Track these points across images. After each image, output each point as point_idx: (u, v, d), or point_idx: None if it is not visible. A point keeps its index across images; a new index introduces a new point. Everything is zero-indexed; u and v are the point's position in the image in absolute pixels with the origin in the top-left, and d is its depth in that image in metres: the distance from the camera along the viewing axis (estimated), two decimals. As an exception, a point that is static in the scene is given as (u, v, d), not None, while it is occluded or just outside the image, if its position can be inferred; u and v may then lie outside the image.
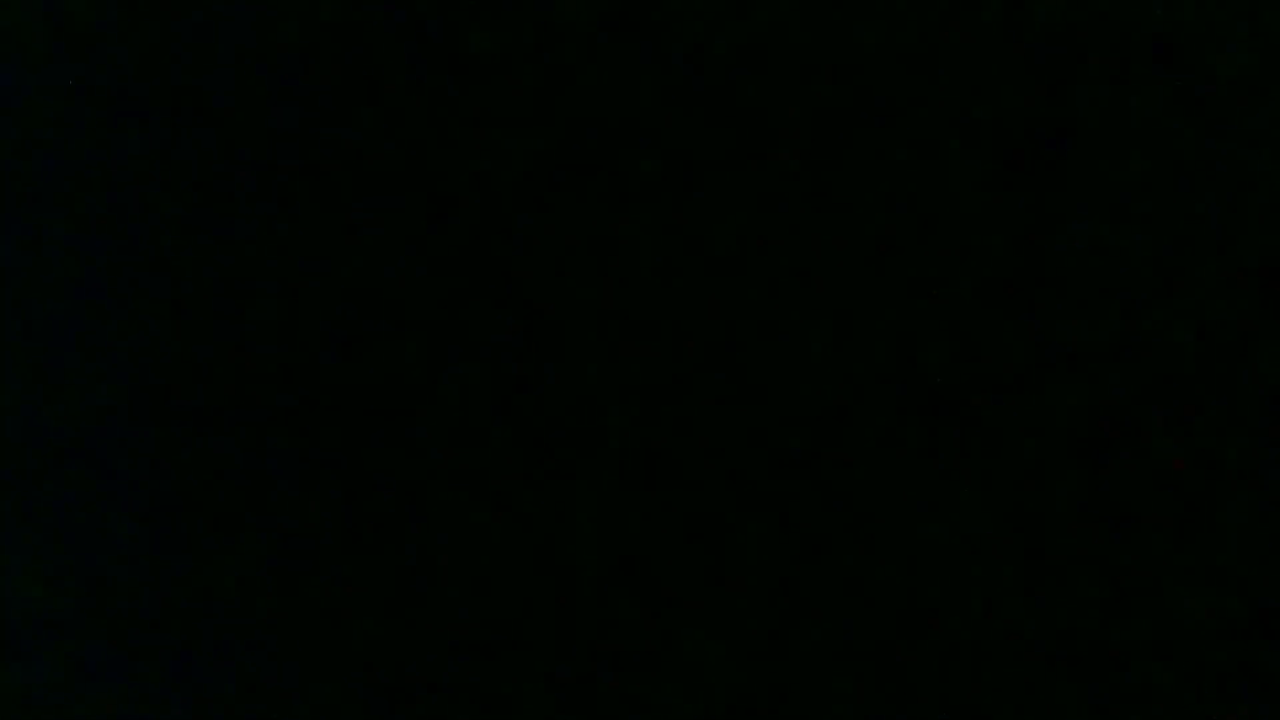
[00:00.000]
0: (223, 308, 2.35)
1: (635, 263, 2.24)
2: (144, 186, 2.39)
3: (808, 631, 2.16)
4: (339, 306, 2.33)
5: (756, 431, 2.19)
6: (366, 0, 2.32)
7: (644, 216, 2.24)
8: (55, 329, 2.39)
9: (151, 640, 2.33)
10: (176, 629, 2.32)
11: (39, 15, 2.41)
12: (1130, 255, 2.08)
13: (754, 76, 2.21)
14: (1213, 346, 2.05)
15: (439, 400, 2.29)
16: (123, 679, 2.32)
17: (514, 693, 2.23)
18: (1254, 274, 2.03)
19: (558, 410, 2.25)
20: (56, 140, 2.41)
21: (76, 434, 2.37)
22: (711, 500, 2.20)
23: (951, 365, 2.14)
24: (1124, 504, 2.07)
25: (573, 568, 2.23)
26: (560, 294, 2.26)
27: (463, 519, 2.27)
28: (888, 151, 2.17)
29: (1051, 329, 2.11)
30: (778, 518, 2.18)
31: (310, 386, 2.32)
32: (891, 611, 2.14)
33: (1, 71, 2.42)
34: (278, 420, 2.32)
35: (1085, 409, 2.09)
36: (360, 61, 2.33)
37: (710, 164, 2.23)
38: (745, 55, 2.21)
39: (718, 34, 2.22)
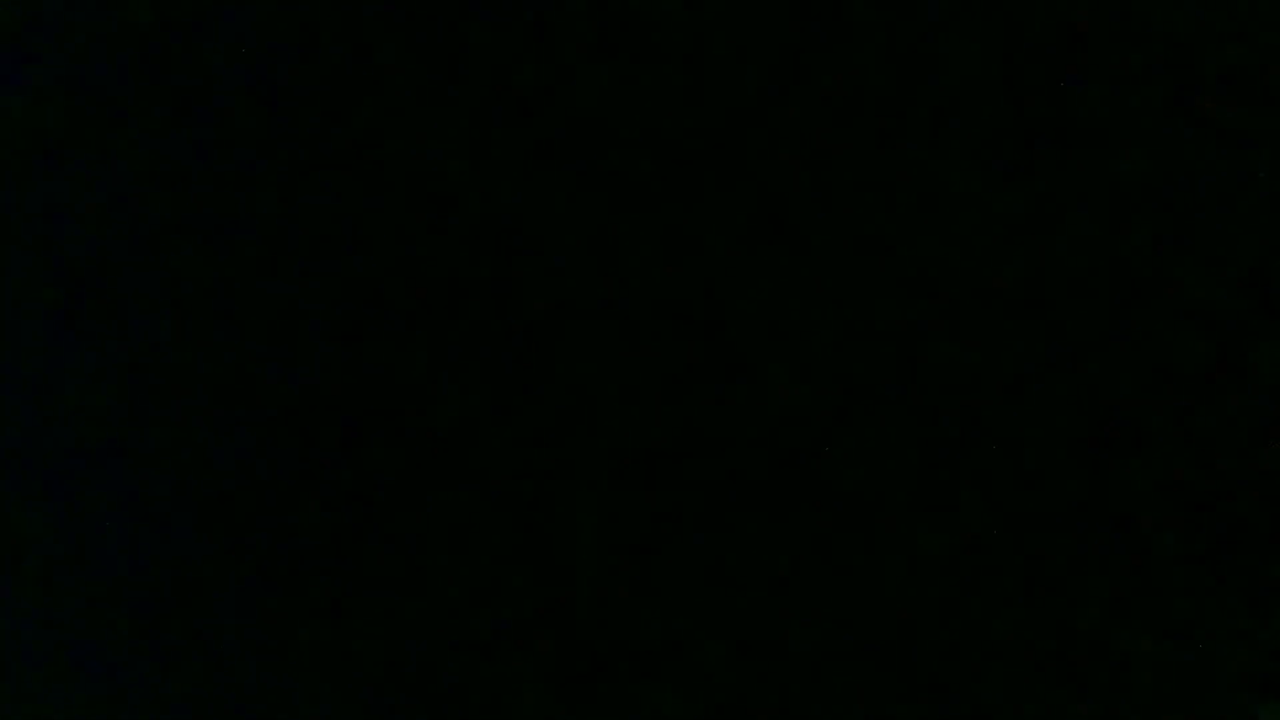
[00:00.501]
0: (222, 308, 2.36)
1: (635, 262, 2.24)
2: (145, 186, 2.39)
3: (808, 631, 2.16)
4: (339, 307, 2.33)
5: (756, 431, 2.20)
6: (366, 1, 2.32)
7: (644, 216, 2.25)
8: (55, 329, 2.40)
9: (151, 640, 2.33)
10: (176, 629, 2.33)
11: (40, 15, 2.41)
12: (1130, 254, 2.09)
13: (754, 76, 2.22)
14: (1213, 346, 2.05)
15: (438, 400, 2.29)
16: (122, 679, 2.33)
17: (514, 692, 2.23)
18: (1254, 274, 2.04)
19: (557, 410, 2.26)
20: (57, 140, 2.42)
21: (76, 434, 2.37)
22: (711, 500, 2.21)
23: (951, 365, 2.14)
24: (1124, 504, 2.08)
25: (572, 567, 2.24)
26: (560, 294, 2.27)
27: (462, 518, 2.28)
28: (887, 151, 2.17)
29: (1051, 328, 2.11)
30: (777, 517, 2.19)
31: (310, 386, 2.32)
32: (891, 611, 2.14)
33: (2, 71, 2.43)
34: (277, 420, 2.33)
35: (1085, 409, 2.09)
36: (360, 61, 2.34)
37: (710, 164, 2.23)
38: (745, 55, 2.22)
39: (717, 34, 2.22)
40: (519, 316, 2.28)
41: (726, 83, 2.23)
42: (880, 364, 2.17)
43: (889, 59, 2.18)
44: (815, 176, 2.20)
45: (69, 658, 2.34)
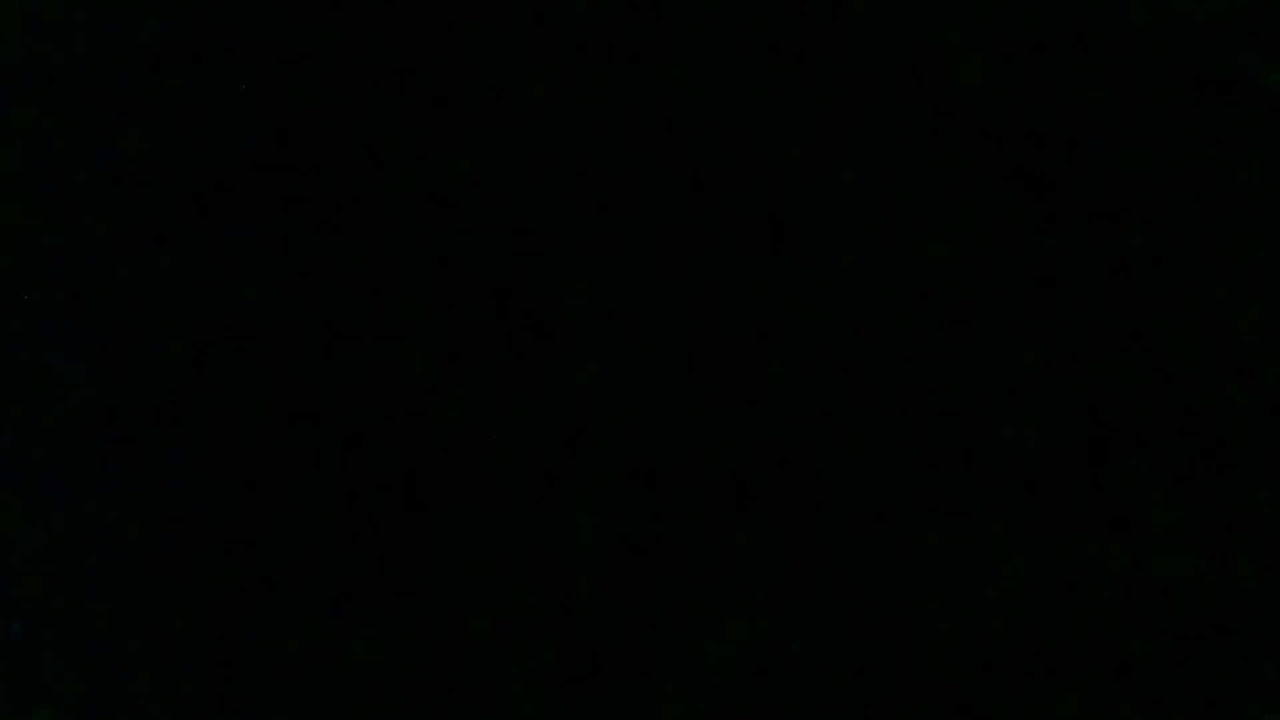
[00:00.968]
0: (223, 308, 2.36)
1: (636, 262, 2.25)
2: (144, 186, 2.39)
3: (807, 631, 2.16)
4: (339, 307, 2.33)
5: (757, 431, 2.20)
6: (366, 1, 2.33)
7: (644, 216, 2.25)
8: (55, 328, 2.40)
9: (151, 640, 2.33)
10: (175, 627, 2.33)
11: (40, 15, 2.41)
12: (1131, 254, 2.09)
13: (754, 76, 2.22)
14: (1214, 344, 2.06)
15: (440, 399, 2.30)
16: (123, 678, 2.33)
17: (514, 693, 2.23)
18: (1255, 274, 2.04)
19: (558, 410, 2.26)
20: (56, 140, 2.42)
21: (77, 434, 2.37)
22: (711, 499, 2.21)
23: (951, 364, 2.15)
24: (1123, 505, 2.08)
25: (573, 568, 2.24)
26: (560, 292, 2.27)
27: (463, 519, 2.28)
28: (888, 150, 2.18)
29: (1052, 327, 2.12)
30: (778, 517, 2.19)
31: (310, 386, 2.33)
32: (891, 610, 2.14)
33: (2, 71, 2.43)
34: (278, 420, 2.33)
35: (1086, 408, 2.09)
36: (361, 60, 2.34)
37: (710, 163, 2.23)
38: (745, 55, 2.22)
39: (717, 32, 2.23)
40: (520, 315, 2.28)
41: (726, 81, 2.24)
42: (881, 362, 2.17)
43: (889, 59, 2.18)
44: (816, 176, 2.21)
45: (69, 656, 2.34)
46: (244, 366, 2.35)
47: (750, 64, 2.23)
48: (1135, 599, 2.07)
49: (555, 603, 2.24)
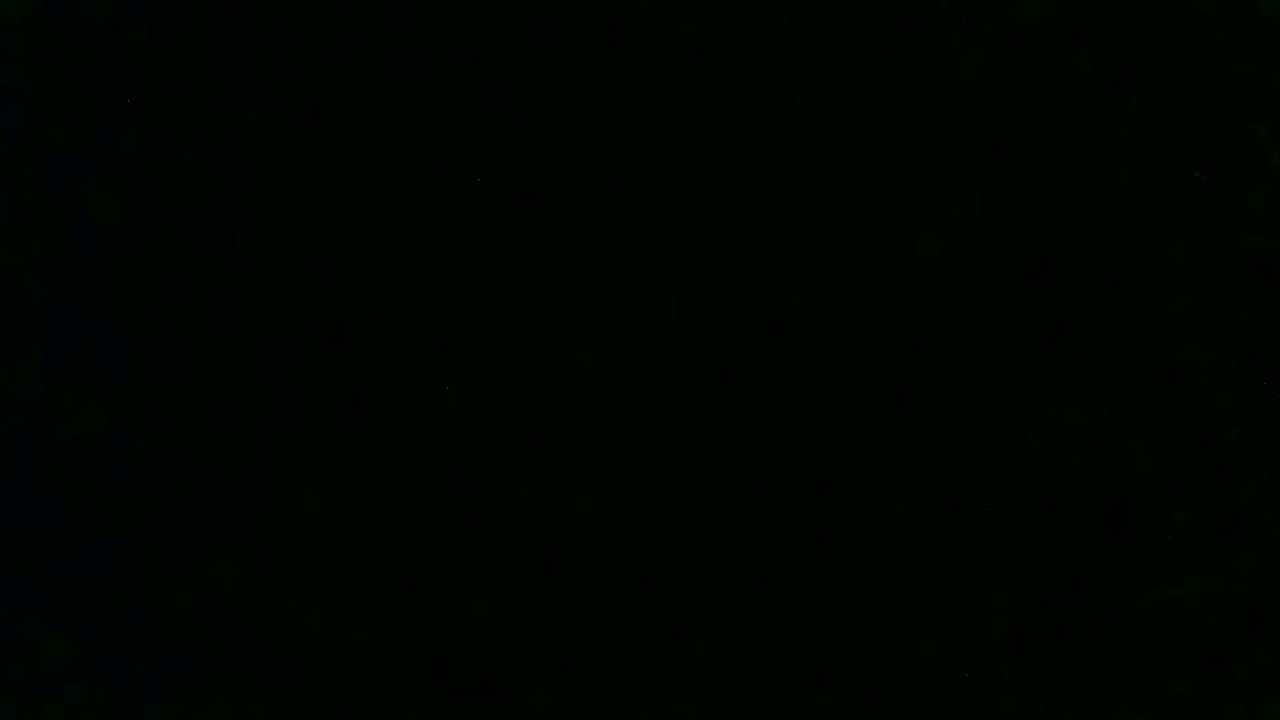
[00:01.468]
0: (222, 307, 2.35)
1: (633, 259, 2.24)
2: (145, 185, 2.39)
3: (808, 631, 2.16)
4: (335, 299, 2.33)
5: (757, 428, 2.20)
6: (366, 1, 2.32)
7: (644, 215, 2.25)
8: (56, 328, 2.39)
9: (150, 639, 2.33)
10: (175, 622, 2.32)
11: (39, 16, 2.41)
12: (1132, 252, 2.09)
13: (753, 76, 2.22)
14: (1213, 341, 2.05)
15: (437, 391, 2.29)
16: (122, 678, 2.32)
17: (513, 690, 2.23)
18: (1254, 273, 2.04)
19: (556, 405, 2.25)
20: (56, 140, 2.42)
21: (76, 434, 2.37)
22: (712, 499, 2.21)
23: (951, 359, 2.14)
24: (1124, 504, 2.08)
25: (572, 565, 2.24)
26: (558, 290, 2.27)
27: (461, 515, 2.28)
28: (888, 150, 2.17)
29: (1051, 328, 2.11)
30: (778, 514, 2.19)
31: (307, 378, 2.32)
32: (890, 611, 2.14)
33: (2, 71, 2.42)
34: (275, 411, 2.33)
35: (1083, 402, 2.09)
36: (360, 61, 2.33)
37: (709, 162, 2.23)
38: (745, 55, 2.22)
39: (716, 32, 2.22)
40: (517, 308, 2.28)
41: (726, 81, 2.23)
42: (881, 361, 2.16)
43: (889, 57, 2.18)
44: (816, 174, 2.20)
45: (67, 655, 2.34)
46: (240, 356, 2.35)
47: (747, 58, 2.22)
48: (1135, 595, 2.07)
49: (553, 595, 2.23)
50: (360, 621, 2.28)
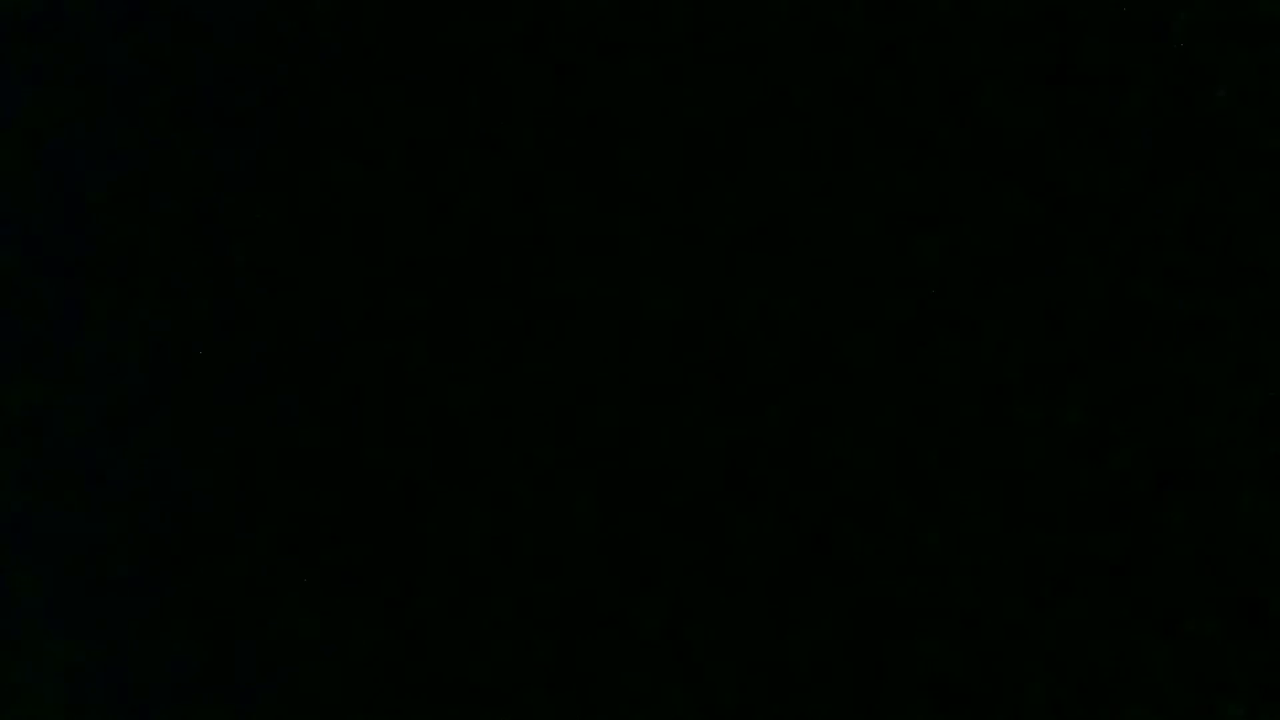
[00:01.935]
0: (222, 307, 2.35)
1: (633, 258, 2.24)
2: (144, 185, 2.39)
3: (808, 631, 2.16)
4: (335, 299, 2.33)
5: (755, 426, 2.20)
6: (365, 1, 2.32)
7: (644, 215, 2.25)
8: (55, 328, 2.40)
9: (151, 639, 2.33)
10: (178, 622, 2.33)
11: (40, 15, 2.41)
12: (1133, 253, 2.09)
13: (753, 76, 2.21)
14: (1212, 343, 2.05)
15: (437, 391, 2.29)
16: (122, 677, 2.33)
17: (510, 687, 2.23)
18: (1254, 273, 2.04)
19: (553, 406, 2.26)
20: (56, 140, 2.41)
21: (77, 433, 2.37)
22: (711, 498, 2.21)
23: (950, 360, 2.14)
24: (1123, 505, 2.08)
25: (570, 566, 2.24)
26: (558, 290, 2.27)
27: (459, 512, 2.28)
28: (886, 150, 2.17)
29: (1050, 328, 2.11)
30: (776, 512, 2.19)
31: (307, 378, 2.32)
32: (891, 610, 2.14)
33: (2, 71, 2.42)
34: (277, 420, 2.33)
35: (1080, 406, 2.09)
36: (359, 61, 2.33)
37: (709, 161, 2.23)
38: (744, 54, 2.22)
39: (717, 33, 2.22)
40: (517, 307, 2.28)
41: (726, 81, 2.23)
42: (881, 361, 2.16)
43: (889, 57, 2.18)
44: (816, 174, 2.20)
45: (67, 655, 2.34)
46: (240, 357, 2.35)
47: (746, 58, 2.22)
48: (1134, 595, 2.07)
49: (553, 596, 2.23)
50: (360, 622, 2.28)
